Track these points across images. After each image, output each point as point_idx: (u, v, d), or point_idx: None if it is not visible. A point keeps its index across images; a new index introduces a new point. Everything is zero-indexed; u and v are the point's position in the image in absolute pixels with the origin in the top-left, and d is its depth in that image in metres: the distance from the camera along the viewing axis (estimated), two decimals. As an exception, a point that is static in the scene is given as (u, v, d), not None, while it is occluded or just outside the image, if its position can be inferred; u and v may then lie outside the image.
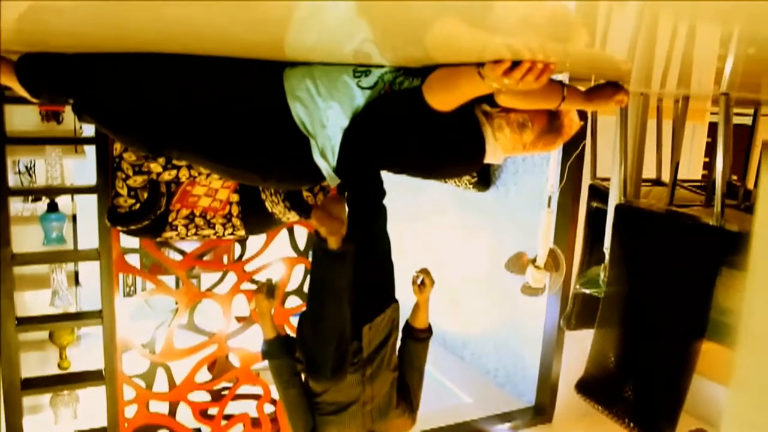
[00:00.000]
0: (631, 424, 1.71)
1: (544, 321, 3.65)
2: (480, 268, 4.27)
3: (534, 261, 3.27)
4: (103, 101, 1.41)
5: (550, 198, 3.24)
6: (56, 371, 2.96)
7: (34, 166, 3.71)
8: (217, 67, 1.40)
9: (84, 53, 1.35)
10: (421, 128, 1.40)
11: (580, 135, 2.49)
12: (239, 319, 2.90)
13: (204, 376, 2.85)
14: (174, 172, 2.11)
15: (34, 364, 3.02)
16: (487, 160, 1.50)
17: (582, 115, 1.72)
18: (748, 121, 2.21)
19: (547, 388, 3.62)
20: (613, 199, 1.93)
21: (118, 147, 2.09)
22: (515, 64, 1.12)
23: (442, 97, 1.34)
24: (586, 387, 1.91)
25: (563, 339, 3.52)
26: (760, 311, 0.37)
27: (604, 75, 1.57)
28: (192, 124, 1.40)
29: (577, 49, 1.27)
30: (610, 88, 1.50)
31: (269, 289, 1.93)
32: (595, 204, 2.27)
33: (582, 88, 1.50)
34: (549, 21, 1.09)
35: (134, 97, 1.38)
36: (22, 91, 1.44)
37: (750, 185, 2.06)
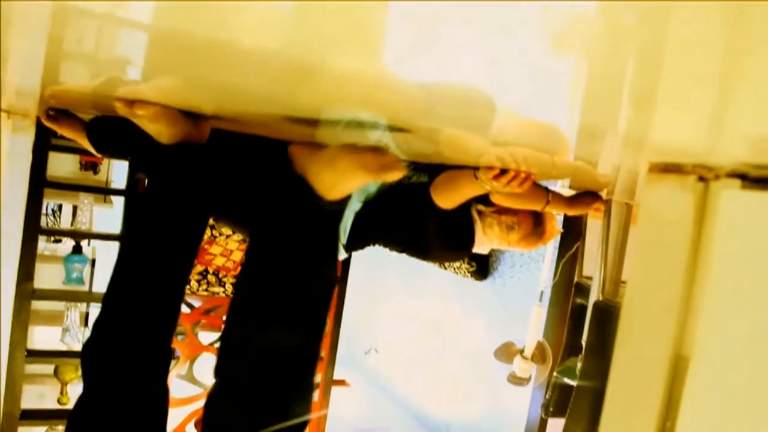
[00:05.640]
0: None
1: (527, 411, 3.74)
2: (470, 354, 4.39)
3: (522, 351, 3.40)
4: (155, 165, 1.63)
5: (542, 293, 3.42)
6: (55, 406, 3.08)
7: (60, 209, 3.94)
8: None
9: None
10: (423, 219, 1.63)
11: (576, 236, 2.70)
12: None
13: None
14: (198, 230, 2.31)
15: (35, 396, 3.14)
16: (474, 250, 1.72)
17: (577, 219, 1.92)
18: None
19: (525, 478, 3.67)
20: (593, 297, 2.11)
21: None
22: (503, 171, 1.35)
23: (446, 196, 1.57)
24: (553, 469, 2.03)
25: (545, 431, 3.60)
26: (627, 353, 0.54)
27: (587, 186, 1.79)
28: (231, 196, 1.61)
29: (562, 162, 1.49)
30: (590, 196, 1.72)
31: None
32: (579, 300, 2.45)
33: (566, 194, 1.72)
34: (538, 139, 1.31)
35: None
36: (88, 147, 1.67)
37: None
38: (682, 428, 0.47)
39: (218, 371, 1.07)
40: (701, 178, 0.51)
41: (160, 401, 1.18)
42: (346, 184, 1.06)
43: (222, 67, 0.79)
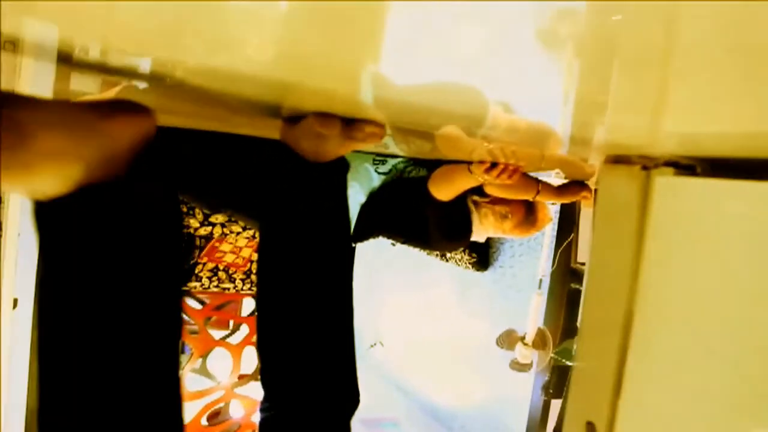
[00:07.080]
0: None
1: (530, 396, 3.86)
2: (473, 343, 4.51)
3: (523, 338, 3.52)
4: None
5: (540, 281, 3.53)
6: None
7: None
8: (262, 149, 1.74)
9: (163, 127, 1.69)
10: (422, 210, 1.75)
11: (572, 225, 2.81)
12: (241, 376, 3.13)
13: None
14: (209, 229, 2.43)
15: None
16: (472, 239, 1.85)
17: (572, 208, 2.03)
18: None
19: (529, 461, 3.79)
20: (586, 281, 2.22)
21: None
22: (494, 164, 1.47)
23: (443, 189, 1.69)
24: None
25: (548, 414, 3.72)
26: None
27: (576, 177, 1.90)
28: (241, 191, 1.72)
29: (550, 154, 1.60)
30: (578, 185, 1.83)
31: None
32: (574, 285, 2.56)
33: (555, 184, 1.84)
34: (528, 136, 1.42)
35: (203, 165, 1.71)
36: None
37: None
38: (630, 361, 0.59)
39: (266, 386, 1.04)
40: (644, 167, 0.62)
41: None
42: (323, 151, 1.03)
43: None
